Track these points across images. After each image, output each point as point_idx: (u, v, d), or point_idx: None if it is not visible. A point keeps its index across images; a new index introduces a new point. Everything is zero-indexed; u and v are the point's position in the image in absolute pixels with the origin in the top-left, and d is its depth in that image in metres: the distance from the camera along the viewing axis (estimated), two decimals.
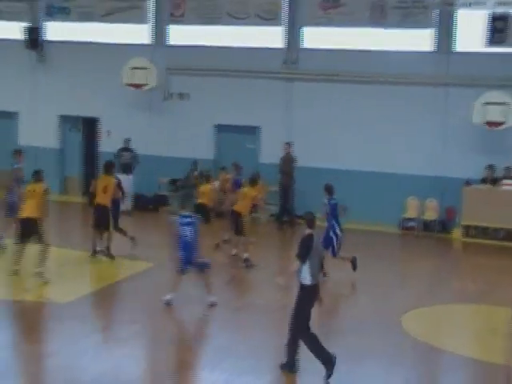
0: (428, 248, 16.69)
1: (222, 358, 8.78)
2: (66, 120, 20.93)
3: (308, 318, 8.30)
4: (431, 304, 11.68)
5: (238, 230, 13.80)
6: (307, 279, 8.18)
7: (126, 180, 18.57)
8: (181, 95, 19.58)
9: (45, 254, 11.98)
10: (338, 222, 12.97)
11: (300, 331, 8.26)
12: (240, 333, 9.96)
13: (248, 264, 13.54)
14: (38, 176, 12.46)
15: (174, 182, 19.43)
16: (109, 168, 13.86)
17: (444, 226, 17.59)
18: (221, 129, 19.50)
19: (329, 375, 8.13)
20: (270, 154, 18.65)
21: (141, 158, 18.95)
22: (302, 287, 8.25)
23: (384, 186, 18.07)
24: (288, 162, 18.12)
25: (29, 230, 11.97)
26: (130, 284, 12.32)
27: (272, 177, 18.05)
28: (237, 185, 15.25)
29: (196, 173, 18.34)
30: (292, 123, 18.68)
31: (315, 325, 8.48)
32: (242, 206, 13.85)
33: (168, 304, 10.63)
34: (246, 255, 13.70)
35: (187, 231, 10.76)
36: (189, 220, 10.85)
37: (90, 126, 20.78)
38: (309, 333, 8.29)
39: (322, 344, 8.23)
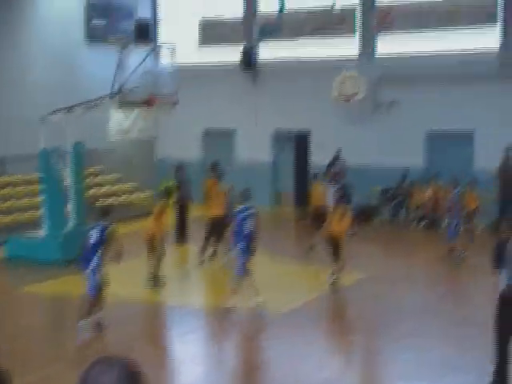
0: None
1: (443, 372, 8.46)
2: (278, 135, 21.67)
3: (502, 328, 7.74)
4: None
5: None
6: (501, 285, 7.74)
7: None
8: (390, 104, 19.40)
9: None
10: None
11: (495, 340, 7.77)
12: (460, 347, 9.53)
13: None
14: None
15: (385, 191, 19.27)
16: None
17: None
18: (432, 136, 18.99)
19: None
20: (486, 159, 17.78)
21: (352, 169, 19.02)
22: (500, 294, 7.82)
23: None
24: (508, 168, 17.15)
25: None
26: (344, 294, 12.39)
27: (489, 183, 17.21)
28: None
29: (406, 182, 18.04)
30: (509, 126, 17.65)
31: None
32: None
33: None
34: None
35: (247, 224, 10.84)
36: (249, 212, 10.93)
37: (301, 140, 21.31)
38: (502, 345, 7.74)
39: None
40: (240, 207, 11.11)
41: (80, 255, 10.04)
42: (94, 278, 9.69)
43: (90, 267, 9.69)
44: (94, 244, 9.74)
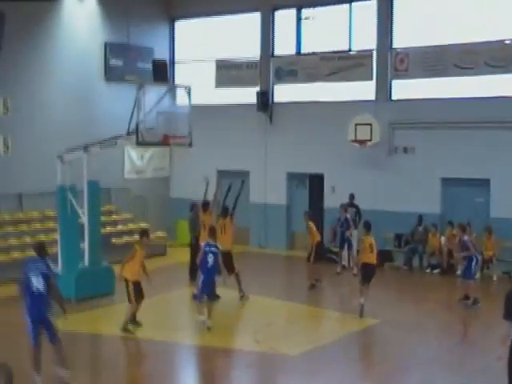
0: None
1: None
2: (292, 177, 21.68)
3: None
4: None
5: None
6: None
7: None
8: (405, 149, 19.39)
9: None
10: None
11: None
12: None
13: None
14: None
15: (399, 237, 19.14)
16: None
17: None
18: (447, 182, 18.89)
19: None
20: (502, 207, 17.64)
21: (365, 213, 18.91)
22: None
23: None
24: None
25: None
26: (355, 339, 12.23)
27: (505, 231, 17.05)
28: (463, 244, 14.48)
29: (421, 228, 17.95)
30: None
31: None
32: None
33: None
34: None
35: (210, 258, 12.06)
36: (211, 249, 12.15)
37: (315, 183, 21.29)
38: None
39: None
40: (205, 242, 12.38)
41: (29, 304, 9.09)
42: (54, 323, 9.16)
43: (50, 314, 9.15)
44: (44, 292, 9.05)
